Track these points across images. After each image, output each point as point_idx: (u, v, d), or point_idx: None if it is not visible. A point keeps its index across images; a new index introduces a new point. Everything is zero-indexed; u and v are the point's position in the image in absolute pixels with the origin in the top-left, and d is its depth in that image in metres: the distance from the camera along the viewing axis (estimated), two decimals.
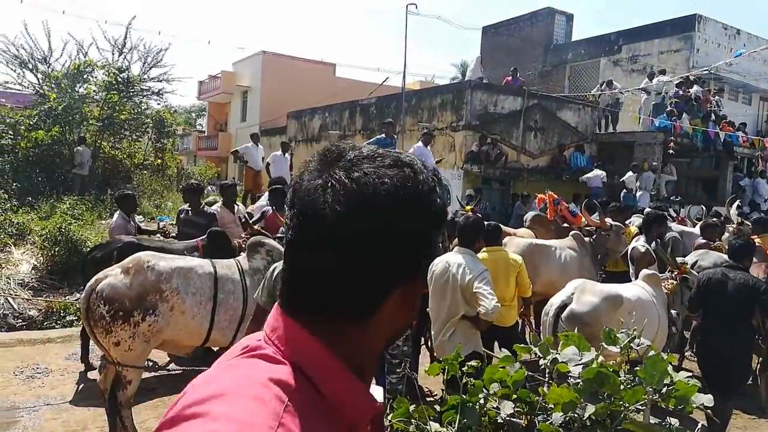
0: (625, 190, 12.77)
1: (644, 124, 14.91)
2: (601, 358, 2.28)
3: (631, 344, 2.31)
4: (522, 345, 2.59)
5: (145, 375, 4.55)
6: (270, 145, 21.79)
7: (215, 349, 4.50)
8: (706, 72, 14.99)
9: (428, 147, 9.94)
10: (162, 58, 17.16)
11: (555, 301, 4.39)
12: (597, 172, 13.12)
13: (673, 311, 4.88)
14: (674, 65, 16.70)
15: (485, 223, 5.15)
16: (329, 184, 0.72)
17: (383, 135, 9.32)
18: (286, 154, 11.22)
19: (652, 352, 2.25)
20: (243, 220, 5.28)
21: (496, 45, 22.58)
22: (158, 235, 7.09)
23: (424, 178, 0.76)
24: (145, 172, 17.02)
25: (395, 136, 9.57)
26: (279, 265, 3.45)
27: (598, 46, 19.84)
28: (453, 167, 13.57)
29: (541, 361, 2.38)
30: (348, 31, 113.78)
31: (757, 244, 6.43)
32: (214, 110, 31.50)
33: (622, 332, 2.32)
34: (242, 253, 4.84)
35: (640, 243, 6.18)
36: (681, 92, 15.04)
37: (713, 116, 15.39)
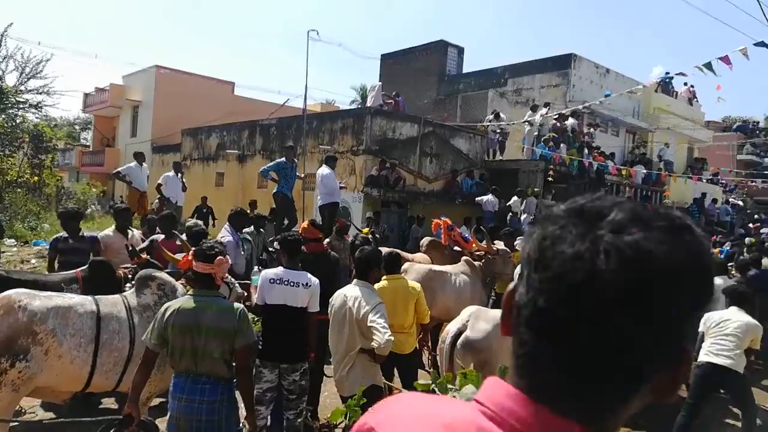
0: (510, 214, 13.60)
1: (528, 153, 16.02)
2: None
3: None
4: (421, 382, 2.67)
5: (13, 424, 4.09)
6: (162, 162, 20.72)
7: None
8: (581, 107, 16.47)
9: (333, 170, 9.98)
10: (42, 69, 15.90)
11: (451, 329, 4.55)
12: (491, 197, 13.85)
13: None
14: (553, 99, 18.14)
15: (385, 251, 5.27)
16: (601, 249, 0.60)
17: (283, 159, 9.21)
18: (179, 174, 10.70)
19: None
20: (130, 248, 4.96)
21: (394, 72, 23.29)
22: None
23: (705, 246, 0.65)
24: (19, 190, 15.49)
25: (296, 160, 9.50)
26: (173, 305, 3.28)
27: (486, 79, 21.10)
28: (354, 190, 13.72)
29: None
30: (249, 52, 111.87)
31: None
32: (101, 124, 29.42)
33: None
34: (128, 284, 4.53)
35: None
36: (558, 125, 16.41)
37: (587, 147, 16.91)
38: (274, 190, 9.16)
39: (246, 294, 5.03)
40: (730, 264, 8.56)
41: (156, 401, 4.35)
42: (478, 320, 4.47)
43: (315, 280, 4.43)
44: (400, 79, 22.46)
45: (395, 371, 4.78)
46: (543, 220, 0.68)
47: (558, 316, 0.62)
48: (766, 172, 27.64)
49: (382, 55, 24.45)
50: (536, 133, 16.22)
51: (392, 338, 3.71)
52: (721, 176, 24.05)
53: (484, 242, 7.24)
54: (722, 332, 5.03)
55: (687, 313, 0.63)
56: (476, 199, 14.06)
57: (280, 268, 4.53)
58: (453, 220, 13.31)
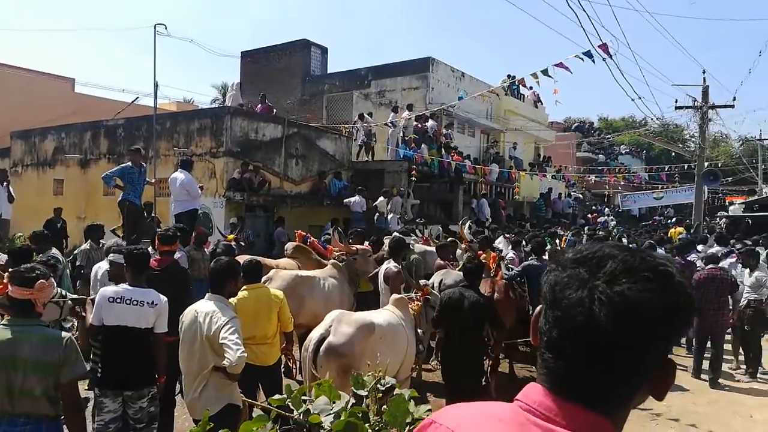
0: (378, 214, 13.83)
1: (392, 153, 16.41)
2: (352, 401, 2.31)
3: (378, 385, 2.40)
4: (276, 397, 2.51)
5: None
6: None
7: None
8: (440, 109, 17.27)
9: (190, 174, 9.35)
10: None
11: (314, 335, 4.42)
12: (358, 198, 13.94)
13: (419, 330, 5.35)
14: (414, 101, 18.80)
15: (244, 260, 5.00)
16: (595, 297, 0.83)
17: (129, 163, 8.40)
18: (4, 183, 9.37)
19: (398, 391, 2.37)
20: None
21: (255, 71, 22.61)
22: None
23: (682, 290, 0.86)
24: None
25: (144, 164, 8.71)
26: None
27: (351, 80, 21.30)
28: (214, 195, 13.03)
29: (295, 414, 2.33)
30: (91, 48, 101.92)
31: (482, 260, 7.52)
32: None
33: (368, 375, 2.40)
34: None
35: (391, 264, 6.64)
36: (419, 126, 17.03)
37: (446, 147, 17.76)
38: (119, 198, 8.34)
39: (79, 310, 4.46)
40: None
41: None
42: (341, 324, 4.39)
43: (163, 298, 4.09)
44: (262, 78, 21.88)
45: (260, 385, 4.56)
46: (555, 265, 0.92)
47: (568, 345, 0.86)
48: (600, 168, 31.11)
49: (242, 53, 23.61)
50: (400, 134, 16.67)
51: (245, 355, 3.49)
52: (564, 172, 26.63)
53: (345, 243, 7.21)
54: None
55: (664, 337, 0.86)
56: (344, 200, 14.08)
57: (122, 286, 4.13)
58: (323, 223, 13.32)
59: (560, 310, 0.86)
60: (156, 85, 10.49)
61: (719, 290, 7.40)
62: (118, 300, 3.96)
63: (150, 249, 5.46)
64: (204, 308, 3.71)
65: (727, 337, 8.05)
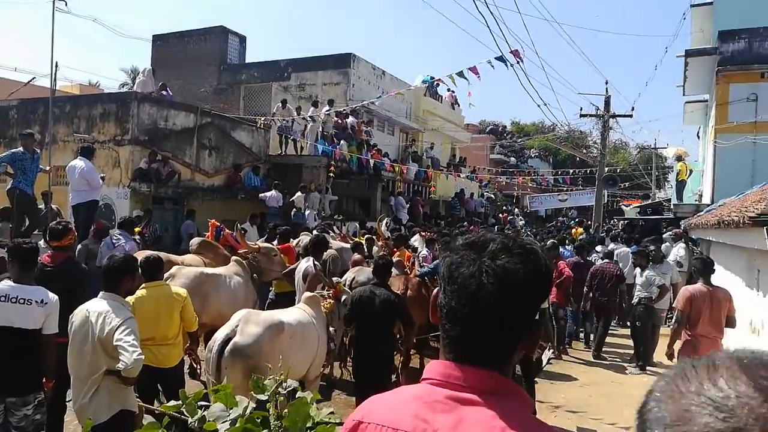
0: (294, 209, 13.60)
1: (310, 148, 16.21)
2: (252, 406, 2.22)
3: (279, 389, 2.32)
4: (170, 404, 2.36)
5: None
6: None
7: None
8: (360, 106, 17.25)
9: (91, 162, 8.71)
10: None
11: (219, 336, 4.24)
12: (274, 193, 13.63)
13: (331, 328, 5.29)
14: (335, 96, 18.66)
15: (143, 256, 4.71)
16: (483, 270, 1.03)
17: (20, 148, 7.68)
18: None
19: (300, 393, 2.30)
20: None
21: (168, 56, 21.50)
22: None
23: (543, 261, 1.07)
24: None
25: (38, 150, 7.99)
26: None
27: (270, 71, 20.79)
28: (118, 185, 12.26)
29: (189, 421, 2.21)
30: None
31: (396, 258, 7.60)
32: None
33: (270, 379, 2.32)
34: None
35: (310, 263, 6.52)
36: (339, 122, 16.94)
37: (365, 144, 17.79)
38: (8, 186, 7.60)
39: None
40: None
41: None
42: (248, 324, 4.25)
43: (53, 297, 3.79)
44: (175, 64, 20.87)
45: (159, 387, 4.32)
46: (450, 250, 1.11)
47: (464, 311, 1.04)
48: (511, 170, 32.48)
49: (154, 36, 22.38)
50: (319, 129, 16.49)
51: (142, 357, 3.29)
52: (478, 173, 27.55)
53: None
54: None
55: (536, 300, 1.08)
56: (260, 195, 13.72)
57: (6, 282, 3.77)
58: (237, 217, 12.88)
59: (456, 284, 1.05)
60: (55, 66, 9.66)
61: (609, 280, 8.86)
62: (3, 298, 3.63)
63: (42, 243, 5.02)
64: (96, 308, 3.46)
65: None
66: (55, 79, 10.25)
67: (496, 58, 10.71)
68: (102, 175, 9.14)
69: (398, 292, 6.01)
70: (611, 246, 11.93)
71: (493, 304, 1.01)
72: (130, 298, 4.02)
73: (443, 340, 1.09)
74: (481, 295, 1.02)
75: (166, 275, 5.33)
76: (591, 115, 19.62)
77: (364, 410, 1.11)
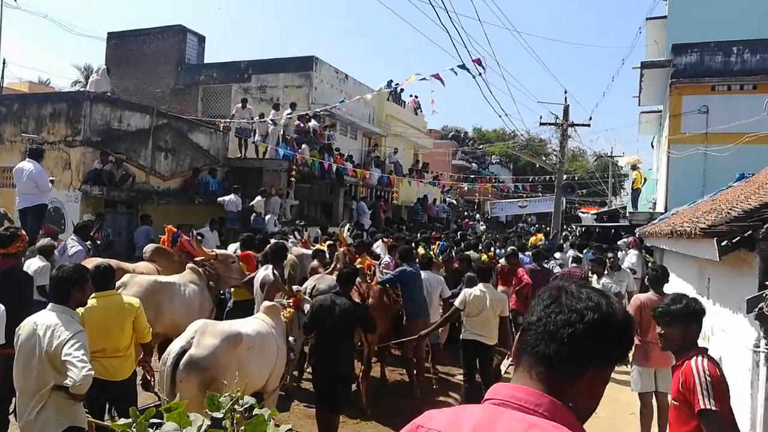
0: (254, 214, 13.36)
1: (271, 152, 15.97)
2: (207, 424, 2.11)
3: (235, 406, 2.23)
4: (121, 422, 2.23)
5: None
6: None
7: None
8: (323, 109, 17.12)
9: (40, 164, 8.30)
10: None
11: (174, 348, 4.08)
12: (233, 197, 13.35)
13: (291, 338, 5.18)
14: (297, 99, 18.44)
15: (93, 264, 4.50)
16: (567, 310, 1.19)
17: None
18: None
19: (257, 411, 2.20)
20: None
21: (124, 55, 20.83)
22: None
23: (614, 310, 1.20)
24: None
25: None
26: None
27: (229, 72, 20.40)
28: (69, 188, 11.79)
29: None
30: None
31: (358, 265, 7.51)
32: None
33: (225, 396, 2.22)
34: None
35: (269, 271, 6.36)
36: (301, 125, 16.75)
37: (328, 149, 17.65)
38: None
39: None
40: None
41: None
42: (205, 336, 4.10)
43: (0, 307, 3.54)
44: (131, 63, 20.26)
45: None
46: (537, 301, 1.26)
47: (546, 348, 1.17)
48: (472, 177, 32.87)
49: (108, 34, 21.64)
50: (280, 133, 16.26)
51: (91, 373, 3.12)
52: (440, 179, 27.75)
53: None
54: None
55: (606, 341, 1.18)
56: (218, 199, 13.42)
57: None
58: (194, 222, 12.53)
59: (544, 323, 1.19)
60: (3, 62, 9.23)
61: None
62: None
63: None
64: (44, 320, 3.27)
65: None
66: (2, 77, 9.82)
67: (459, 66, 10.79)
68: (51, 178, 8.75)
69: (359, 300, 5.95)
70: (570, 252, 12.14)
71: (572, 340, 1.17)
72: (80, 309, 3.82)
73: (516, 364, 1.26)
74: (567, 331, 1.18)
75: (117, 284, 5.11)
76: (550, 124, 20.06)
77: (425, 417, 1.19)
